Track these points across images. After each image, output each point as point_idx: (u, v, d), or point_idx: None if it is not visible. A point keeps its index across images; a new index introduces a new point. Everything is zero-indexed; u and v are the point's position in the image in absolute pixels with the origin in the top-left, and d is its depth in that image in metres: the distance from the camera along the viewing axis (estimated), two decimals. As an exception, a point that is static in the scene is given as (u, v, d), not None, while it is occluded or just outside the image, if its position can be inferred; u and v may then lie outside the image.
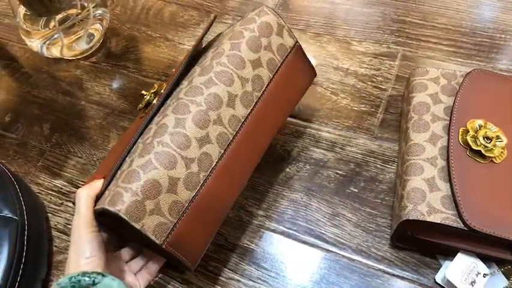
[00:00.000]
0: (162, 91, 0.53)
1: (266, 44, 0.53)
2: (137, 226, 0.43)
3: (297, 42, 0.56)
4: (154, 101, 0.53)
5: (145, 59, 0.79)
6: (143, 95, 0.55)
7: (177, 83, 0.53)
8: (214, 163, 0.48)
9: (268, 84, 0.53)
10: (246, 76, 0.51)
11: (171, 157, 0.45)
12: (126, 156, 0.48)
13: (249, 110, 0.51)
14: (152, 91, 0.55)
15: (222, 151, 0.49)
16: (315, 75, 0.59)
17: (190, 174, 0.46)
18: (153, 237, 0.43)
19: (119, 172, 0.47)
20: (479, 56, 0.69)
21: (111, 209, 0.42)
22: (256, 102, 0.52)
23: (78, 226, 0.45)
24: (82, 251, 0.44)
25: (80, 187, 0.65)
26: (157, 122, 0.48)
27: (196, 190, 0.47)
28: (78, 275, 0.40)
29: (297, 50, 0.56)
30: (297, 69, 0.56)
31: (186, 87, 0.50)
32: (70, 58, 0.80)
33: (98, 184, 0.47)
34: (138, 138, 0.49)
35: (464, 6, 0.76)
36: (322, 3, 0.80)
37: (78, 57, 0.80)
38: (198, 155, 0.47)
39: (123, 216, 0.42)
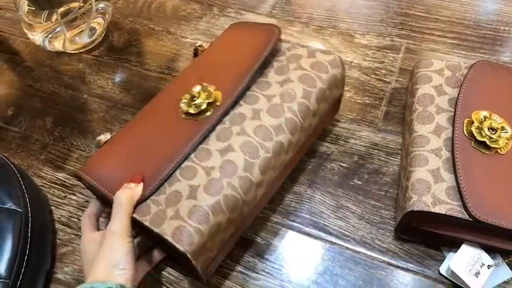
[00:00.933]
0: (218, 103, 0.51)
1: (328, 95, 0.55)
2: (194, 263, 0.44)
3: (342, 93, 0.60)
4: (209, 113, 0.51)
5: (148, 52, 0.79)
6: (192, 97, 0.52)
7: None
8: (257, 200, 0.51)
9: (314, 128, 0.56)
10: (304, 125, 0.53)
11: (236, 202, 0.47)
12: (176, 169, 0.48)
13: (294, 153, 0.54)
14: (207, 99, 0.51)
15: (265, 191, 0.51)
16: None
17: (241, 214, 0.49)
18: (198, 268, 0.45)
19: (167, 187, 0.47)
20: (483, 48, 0.69)
21: (179, 247, 0.43)
22: (300, 146, 0.55)
23: (113, 232, 0.44)
24: (116, 261, 0.43)
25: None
26: (222, 152, 0.48)
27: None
28: (116, 286, 0.41)
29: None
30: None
31: (254, 122, 0.50)
32: (72, 52, 0.80)
33: (138, 189, 0.46)
34: (190, 152, 0.49)
35: (468, -1, 0.76)
36: (325, -3, 0.80)
37: (81, 50, 0.80)
38: (251, 197, 0.49)
39: (189, 256, 0.43)
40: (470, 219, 0.47)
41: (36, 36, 0.76)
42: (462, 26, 0.72)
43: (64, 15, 0.74)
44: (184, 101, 0.52)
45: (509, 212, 0.47)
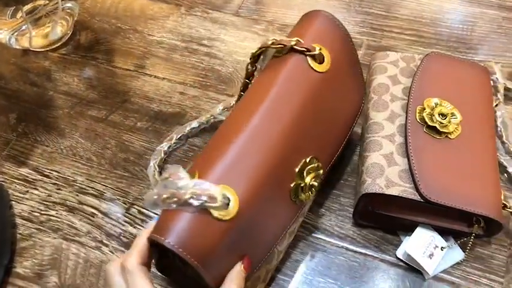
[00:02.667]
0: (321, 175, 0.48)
1: None
2: None
3: None
4: (311, 197, 0.47)
5: (115, 50, 0.79)
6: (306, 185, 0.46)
7: None
8: None
9: None
10: None
11: None
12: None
13: None
14: (312, 175, 0.46)
15: None
16: None
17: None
18: None
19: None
20: (439, 44, 0.72)
21: None
22: None
23: None
24: None
25: (48, 175, 0.65)
26: (290, 235, 0.51)
27: None
28: None
29: None
30: None
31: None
32: (38, 50, 0.80)
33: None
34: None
35: (425, -2, 0.79)
36: (289, -3, 0.82)
37: (47, 49, 0.80)
38: None
39: None
40: (422, 200, 0.48)
41: (2, 34, 0.76)
42: (419, 23, 0.75)
43: (29, 12, 0.74)
44: (301, 184, 0.46)
45: (459, 193, 0.49)
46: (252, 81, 0.52)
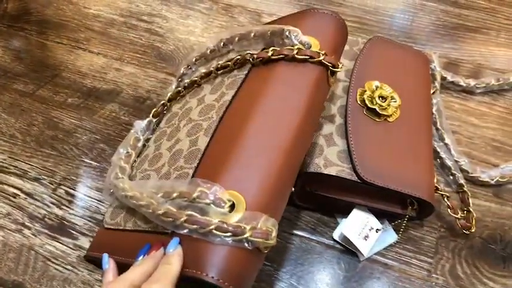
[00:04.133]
0: None
1: None
2: None
3: None
4: None
5: (47, 21, 0.74)
6: None
7: None
8: None
9: None
10: None
11: None
12: None
13: None
14: None
15: None
16: None
17: None
18: None
19: None
20: (381, 32, 0.73)
21: None
22: None
23: None
24: None
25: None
26: None
27: None
28: None
29: None
30: None
31: None
32: (-42, 16, 0.73)
33: None
34: None
35: (369, -13, 0.80)
36: (235, -23, 0.80)
37: (-32, 16, 0.73)
38: None
39: None
40: (359, 181, 0.48)
41: None
42: (363, 11, 0.76)
43: None
44: None
45: (395, 175, 0.49)
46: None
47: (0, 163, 0.58)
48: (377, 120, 0.52)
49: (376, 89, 0.53)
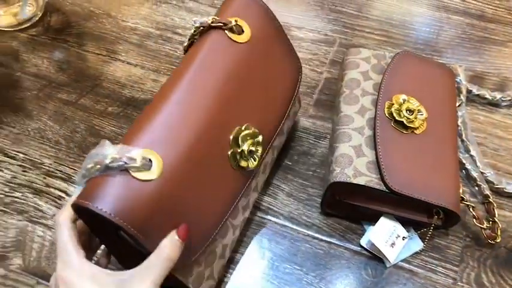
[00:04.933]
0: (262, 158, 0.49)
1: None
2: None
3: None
4: (255, 164, 0.48)
5: (87, 34, 0.78)
6: (249, 150, 0.47)
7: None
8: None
9: None
10: (275, 145, 0.57)
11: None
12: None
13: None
14: (258, 154, 0.48)
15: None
16: None
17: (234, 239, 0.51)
18: None
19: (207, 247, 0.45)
20: (407, 45, 0.75)
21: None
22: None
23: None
24: None
25: (13, 157, 0.63)
26: (244, 209, 0.52)
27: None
28: None
29: None
30: None
31: (263, 176, 0.56)
32: (6, 29, 0.78)
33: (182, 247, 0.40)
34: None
35: (396, 1, 0.82)
36: (265, -8, 0.83)
37: (15, 29, 0.78)
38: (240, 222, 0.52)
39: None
40: (387, 191, 0.50)
41: (-32, 11, 0.74)
42: (389, 25, 0.78)
43: (-1, -10, 0.72)
44: (238, 150, 0.46)
45: (421, 185, 0.51)
46: None
47: (47, 167, 0.62)
48: (404, 132, 0.54)
49: (404, 103, 0.56)
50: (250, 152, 0.47)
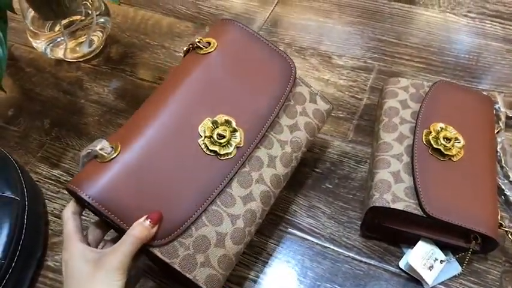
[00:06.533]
0: (240, 145, 0.51)
1: (301, 110, 0.59)
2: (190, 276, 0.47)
3: (332, 107, 0.62)
4: (233, 155, 0.51)
5: (143, 64, 0.85)
6: (219, 134, 0.50)
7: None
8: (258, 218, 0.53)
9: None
10: (284, 139, 0.56)
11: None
12: (202, 212, 0.49)
13: (289, 169, 0.56)
14: (234, 140, 0.51)
15: (267, 208, 0.54)
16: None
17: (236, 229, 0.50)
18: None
19: (194, 231, 0.48)
20: (445, 72, 0.77)
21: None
22: (293, 161, 0.57)
23: (113, 268, 0.42)
24: None
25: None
26: (244, 200, 0.51)
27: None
28: None
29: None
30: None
31: (270, 170, 0.54)
32: (72, 60, 0.86)
33: (153, 231, 0.45)
34: (216, 196, 0.50)
35: (435, 29, 0.84)
36: (307, 21, 0.88)
37: (80, 60, 0.86)
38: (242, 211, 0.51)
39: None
40: (424, 216, 0.53)
41: (40, 44, 0.82)
42: (428, 52, 0.80)
43: (67, 26, 0.80)
44: (208, 135, 0.50)
45: (459, 211, 0.53)
46: None
47: (108, 188, 0.69)
48: (441, 159, 0.57)
49: (441, 131, 0.58)
50: (221, 137, 0.50)
